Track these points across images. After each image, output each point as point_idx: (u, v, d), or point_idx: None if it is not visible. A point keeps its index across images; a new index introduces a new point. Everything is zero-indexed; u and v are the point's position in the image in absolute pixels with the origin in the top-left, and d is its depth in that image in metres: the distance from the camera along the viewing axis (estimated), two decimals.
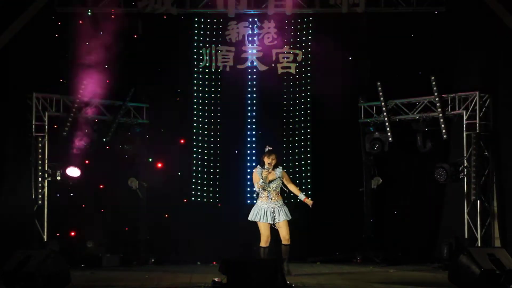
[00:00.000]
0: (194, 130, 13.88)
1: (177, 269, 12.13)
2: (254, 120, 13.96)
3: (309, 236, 13.32)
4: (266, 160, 10.47)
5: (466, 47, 12.80)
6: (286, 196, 12.78)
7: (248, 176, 13.78)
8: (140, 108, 13.55)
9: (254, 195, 10.76)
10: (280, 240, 10.68)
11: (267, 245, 10.54)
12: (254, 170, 10.64)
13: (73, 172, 12.54)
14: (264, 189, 10.48)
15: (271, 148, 10.64)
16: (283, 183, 10.61)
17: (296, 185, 13.14)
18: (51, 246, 11.91)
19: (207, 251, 13.15)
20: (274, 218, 10.48)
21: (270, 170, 10.44)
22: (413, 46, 13.30)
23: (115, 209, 13.22)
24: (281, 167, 10.62)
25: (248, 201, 13.69)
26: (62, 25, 13.15)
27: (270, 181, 10.48)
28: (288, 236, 10.57)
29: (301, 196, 10.67)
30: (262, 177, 10.40)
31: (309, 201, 10.64)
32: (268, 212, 10.48)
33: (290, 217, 10.60)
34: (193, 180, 13.81)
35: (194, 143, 13.88)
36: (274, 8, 13.25)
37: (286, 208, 10.60)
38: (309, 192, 13.70)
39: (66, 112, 12.72)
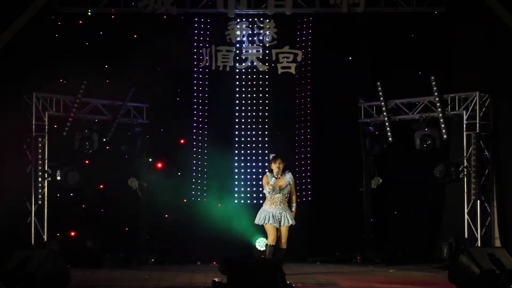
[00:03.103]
0: (194, 130, 13.88)
1: (177, 269, 12.14)
2: (253, 120, 13.95)
3: (309, 236, 13.33)
4: (274, 166, 10.67)
5: (466, 47, 12.80)
6: None
7: (249, 176, 13.81)
8: (140, 108, 13.55)
9: (264, 193, 10.83)
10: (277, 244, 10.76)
11: (274, 243, 10.66)
12: (264, 175, 10.79)
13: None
14: (273, 191, 10.60)
15: (274, 155, 10.94)
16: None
17: (296, 185, 13.20)
18: (51, 246, 11.91)
19: (207, 251, 13.15)
20: (280, 222, 10.65)
21: (279, 175, 10.61)
22: (413, 46, 13.30)
23: (115, 209, 13.22)
24: (291, 174, 10.78)
25: (248, 201, 13.71)
26: (62, 25, 13.16)
27: (282, 188, 10.65)
28: (285, 240, 10.72)
29: (293, 207, 10.84)
30: (273, 183, 10.58)
31: (293, 215, 10.80)
32: (275, 216, 10.64)
33: (294, 223, 10.74)
34: (193, 180, 13.81)
35: (194, 143, 13.88)
36: (274, 8, 13.24)
37: (289, 214, 10.76)
38: (309, 192, 13.73)
39: (66, 112, 12.72)
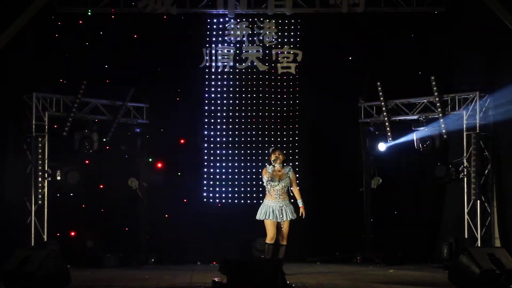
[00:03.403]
0: (194, 130, 13.87)
1: (177, 269, 12.13)
2: (254, 120, 13.96)
3: (309, 236, 13.33)
4: (273, 156, 10.68)
5: (466, 47, 12.80)
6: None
7: (248, 176, 13.81)
8: (140, 108, 13.55)
9: (264, 186, 10.83)
10: (277, 240, 10.76)
11: (273, 241, 10.68)
12: (264, 168, 10.82)
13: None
14: (272, 181, 10.60)
15: (274, 147, 11.03)
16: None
17: (296, 185, 13.20)
18: (51, 246, 11.91)
19: (207, 251, 13.15)
20: (282, 216, 10.65)
21: (279, 166, 10.63)
22: (413, 46, 13.30)
23: (115, 209, 13.22)
24: (291, 167, 10.81)
25: (249, 201, 13.70)
26: (62, 25, 13.16)
27: (280, 180, 10.62)
28: (286, 236, 10.73)
29: (299, 203, 10.88)
30: (271, 171, 10.59)
31: (302, 211, 10.84)
32: (276, 211, 10.66)
33: (295, 217, 10.75)
34: (193, 180, 13.80)
35: (194, 143, 13.86)
36: (274, 8, 13.25)
37: (292, 207, 10.79)
38: (309, 193, 13.71)
39: (66, 112, 12.72)
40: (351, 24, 13.37)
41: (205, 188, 13.80)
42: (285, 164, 10.86)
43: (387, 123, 13.14)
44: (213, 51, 13.81)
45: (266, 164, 10.85)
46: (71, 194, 13.00)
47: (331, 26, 13.46)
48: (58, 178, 12.54)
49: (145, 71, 13.43)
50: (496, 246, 11.87)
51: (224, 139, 13.91)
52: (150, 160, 13.58)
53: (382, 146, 13.32)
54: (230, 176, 13.84)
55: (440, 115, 12.64)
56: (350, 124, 13.61)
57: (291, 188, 10.90)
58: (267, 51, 13.87)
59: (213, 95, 13.96)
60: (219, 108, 13.94)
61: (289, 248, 10.90)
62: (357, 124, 13.64)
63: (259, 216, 10.74)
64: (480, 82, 12.57)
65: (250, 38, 13.88)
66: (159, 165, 13.66)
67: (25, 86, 12.50)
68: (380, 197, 13.57)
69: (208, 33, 13.88)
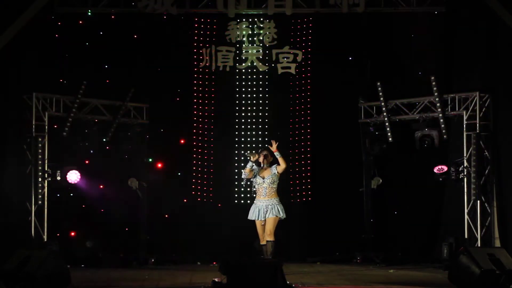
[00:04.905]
0: (194, 130, 13.88)
1: (177, 269, 12.14)
2: (253, 120, 13.96)
3: (309, 236, 13.34)
4: (260, 158, 10.56)
5: (466, 47, 12.80)
6: (285, 196, 12.80)
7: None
8: (140, 108, 13.55)
9: (253, 194, 10.78)
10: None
11: (264, 242, 10.58)
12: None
13: (73, 176, 12.58)
14: (255, 178, 10.50)
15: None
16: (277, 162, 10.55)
17: (296, 185, 13.23)
18: (51, 246, 11.91)
19: (207, 251, 13.15)
20: (265, 215, 10.50)
21: (266, 166, 10.50)
22: (413, 46, 13.30)
23: (115, 209, 13.22)
24: (276, 166, 10.65)
25: (248, 202, 13.68)
26: (62, 25, 13.16)
27: (264, 177, 10.51)
28: (270, 232, 10.45)
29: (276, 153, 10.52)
30: (249, 167, 10.49)
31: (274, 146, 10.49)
32: (261, 210, 10.54)
33: (282, 216, 10.49)
34: (193, 180, 13.81)
35: (194, 143, 13.88)
36: (274, 8, 13.24)
37: (280, 207, 10.54)
38: (309, 192, 13.72)
39: (66, 112, 12.72)
40: (351, 24, 13.37)
41: (205, 188, 13.80)
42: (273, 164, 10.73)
43: (387, 123, 13.13)
44: (213, 51, 13.81)
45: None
46: (71, 194, 13.00)
47: (331, 26, 13.46)
48: (58, 178, 12.54)
49: (145, 71, 13.43)
50: (496, 246, 11.87)
51: (224, 139, 13.90)
52: (150, 160, 13.59)
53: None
54: (230, 176, 13.84)
55: (440, 115, 12.64)
56: (350, 124, 13.60)
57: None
58: (267, 51, 13.87)
59: (213, 95, 13.96)
60: (219, 108, 13.94)
61: (288, 249, 10.85)
62: (357, 124, 13.63)
63: (249, 215, 10.67)
64: (480, 82, 12.57)
65: (250, 38, 13.88)
66: (159, 165, 13.66)
67: (25, 86, 12.50)
68: (380, 197, 13.57)
69: (208, 33, 13.89)
